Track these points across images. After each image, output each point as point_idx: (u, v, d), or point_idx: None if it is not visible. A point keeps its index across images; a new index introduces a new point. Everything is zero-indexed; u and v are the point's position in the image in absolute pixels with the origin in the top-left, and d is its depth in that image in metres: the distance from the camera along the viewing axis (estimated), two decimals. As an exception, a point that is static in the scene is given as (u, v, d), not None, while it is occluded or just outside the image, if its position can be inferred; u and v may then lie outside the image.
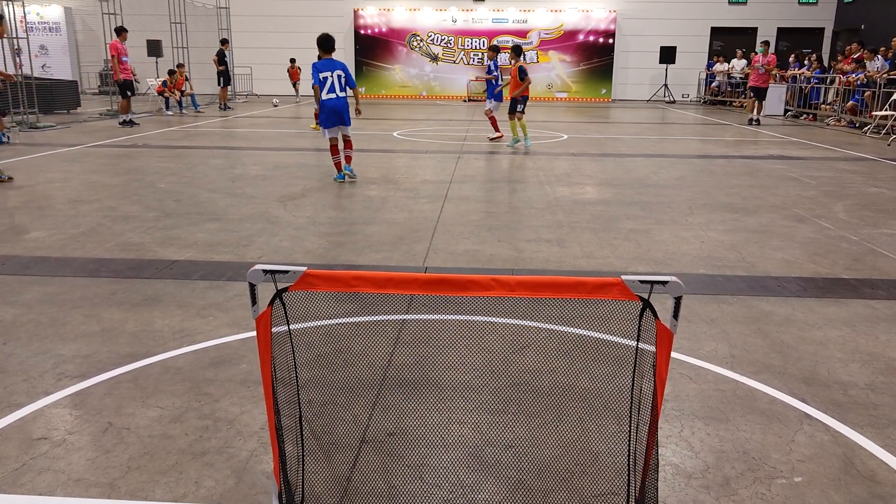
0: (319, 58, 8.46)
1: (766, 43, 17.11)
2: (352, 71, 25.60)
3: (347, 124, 8.68)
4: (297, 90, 22.99)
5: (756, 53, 17.68)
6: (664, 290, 1.95)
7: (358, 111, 8.99)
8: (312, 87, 8.41)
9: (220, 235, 6.13)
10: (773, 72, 17.35)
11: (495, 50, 13.17)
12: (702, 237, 6.24)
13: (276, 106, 21.21)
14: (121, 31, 14.80)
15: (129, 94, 14.88)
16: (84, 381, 3.36)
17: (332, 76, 8.33)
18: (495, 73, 13.01)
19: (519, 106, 12.15)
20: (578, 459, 2.74)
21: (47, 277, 4.92)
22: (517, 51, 12.47)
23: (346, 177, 8.85)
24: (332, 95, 8.39)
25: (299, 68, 22.43)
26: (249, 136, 13.51)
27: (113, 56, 14.51)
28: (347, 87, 8.54)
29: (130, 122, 15.07)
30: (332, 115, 8.53)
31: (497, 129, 13.21)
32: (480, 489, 2.56)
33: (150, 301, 4.48)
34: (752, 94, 17.65)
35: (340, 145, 8.81)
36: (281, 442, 2.30)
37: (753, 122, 17.06)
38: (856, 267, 5.41)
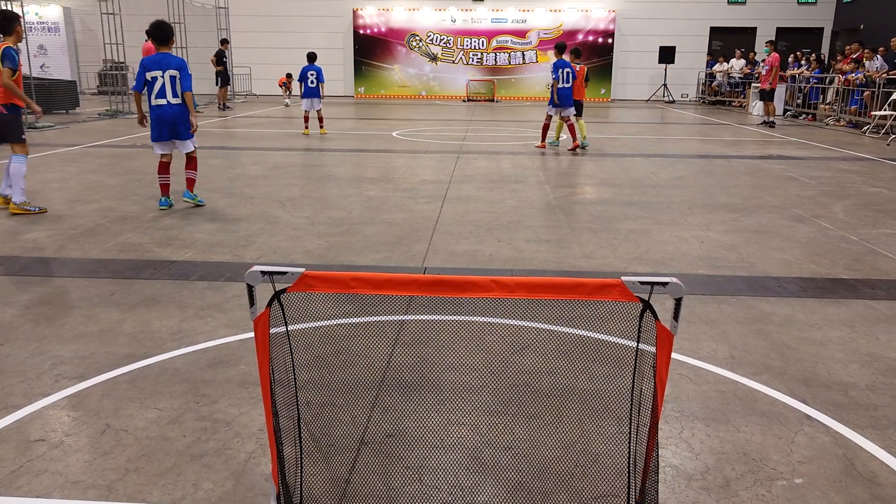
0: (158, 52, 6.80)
1: (770, 42, 17.03)
2: (352, 71, 26.06)
3: (184, 138, 6.97)
4: (290, 89, 22.44)
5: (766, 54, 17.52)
6: (664, 291, 1.94)
7: (192, 125, 6.89)
8: (132, 92, 6.45)
9: (218, 236, 6.12)
10: (775, 72, 17.11)
11: (565, 50, 12.21)
12: (701, 237, 6.24)
13: (287, 106, 21.18)
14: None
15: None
16: (82, 383, 3.35)
17: (162, 77, 6.68)
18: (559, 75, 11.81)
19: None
20: (578, 461, 2.73)
21: (45, 278, 4.91)
22: (577, 53, 12.54)
23: (192, 203, 7.19)
24: (163, 101, 6.74)
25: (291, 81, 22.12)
26: (248, 137, 13.49)
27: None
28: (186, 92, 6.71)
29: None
30: (161, 126, 6.85)
31: (574, 137, 12.10)
32: (480, 491, 2.55)
33: (148, 302, 4.47)
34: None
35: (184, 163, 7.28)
36: (279, 444, 2.29)
37: (767, 125, 16.80)
38: (855, 267, 5.40)
